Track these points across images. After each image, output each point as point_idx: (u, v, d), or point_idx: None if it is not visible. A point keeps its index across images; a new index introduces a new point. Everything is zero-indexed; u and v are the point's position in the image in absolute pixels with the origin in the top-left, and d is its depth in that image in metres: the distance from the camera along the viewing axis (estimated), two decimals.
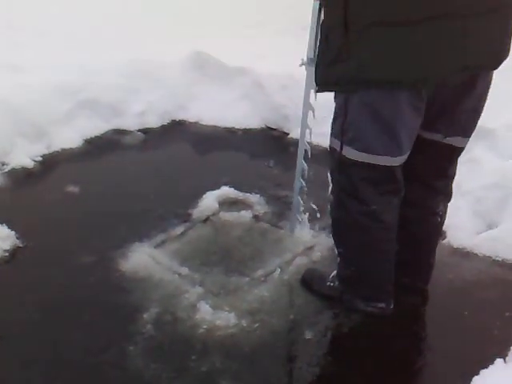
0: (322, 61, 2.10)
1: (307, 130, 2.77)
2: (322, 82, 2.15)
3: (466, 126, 2.28)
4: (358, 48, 1.94)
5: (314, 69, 2.17)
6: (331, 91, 2.16)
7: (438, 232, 2.58)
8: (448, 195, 2.48)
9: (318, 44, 2.23)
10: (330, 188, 2.37)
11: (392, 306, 2.47)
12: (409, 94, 2.01)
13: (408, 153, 2.19)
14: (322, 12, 2.18)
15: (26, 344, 2.38)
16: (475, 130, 2.78)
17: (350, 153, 2.18)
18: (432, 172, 2.38)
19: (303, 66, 2.55)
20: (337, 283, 2.56)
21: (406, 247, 2.45)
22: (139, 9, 5.41)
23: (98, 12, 5.21)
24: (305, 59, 2.53)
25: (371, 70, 1.95)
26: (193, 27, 4.12)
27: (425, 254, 2.56)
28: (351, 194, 2.26)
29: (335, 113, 2.21)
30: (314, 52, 2.43)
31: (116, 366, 2.27)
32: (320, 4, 2.33)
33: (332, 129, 2.23)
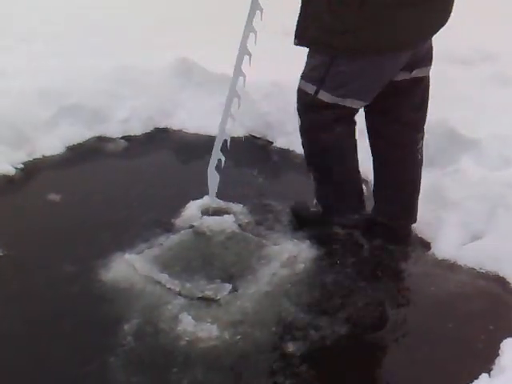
0: (327, 28, 2.41)
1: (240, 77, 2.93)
2: (320, 43, 2.49)
3: (426, 58, 2.69)
4: (367, 24, 2.34)
5: None
6: (327, 52, 2.51)
7: (419, 169, 2.90)
8: (423, 130, 2.85)
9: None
10: (299, 125, 2.78)
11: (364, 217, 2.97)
12: (392, 57, 2.48)
13: None
14: None
15: (5, 355, 2.34)
16: (461, 142, 2.92)
17: (327, 97, 2.59)
18: (406, 108, 2.75)
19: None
20: (319, 207, 2.99)
21: (390, 189, 2.91)
22: (125, 14, 5.38)
23: (82, 17, 5.17)
24: None
25: (380, 40, 2.38)
26: (178, 34, 4.08)
27: (409, 192, 2.93)
28: (321, 127, 2.71)
29: (314, 62, 2.58)
30: None
31: (97, 379, 2.24)
32: None
33: (307, 75, 2.63)
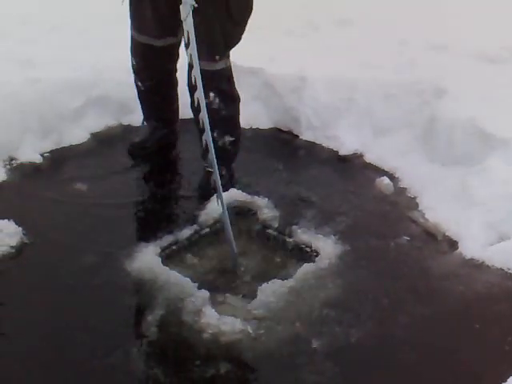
0: None
1: None
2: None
3: None
4: None
5: None
6: None
7: None
8: None
9: None
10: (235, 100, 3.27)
11: None
12: None
13: None
14: None
15: (29, 343, 2.36)
16: (489, 140, 2.91)
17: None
18: None
19: None
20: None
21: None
22: None
23: (111, 8, 5.17)
24: None
25: None
26: None
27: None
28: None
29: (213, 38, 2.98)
30: None
31: (119, 369, 2.26)
32: None
33: (223, 53, 3.09)
